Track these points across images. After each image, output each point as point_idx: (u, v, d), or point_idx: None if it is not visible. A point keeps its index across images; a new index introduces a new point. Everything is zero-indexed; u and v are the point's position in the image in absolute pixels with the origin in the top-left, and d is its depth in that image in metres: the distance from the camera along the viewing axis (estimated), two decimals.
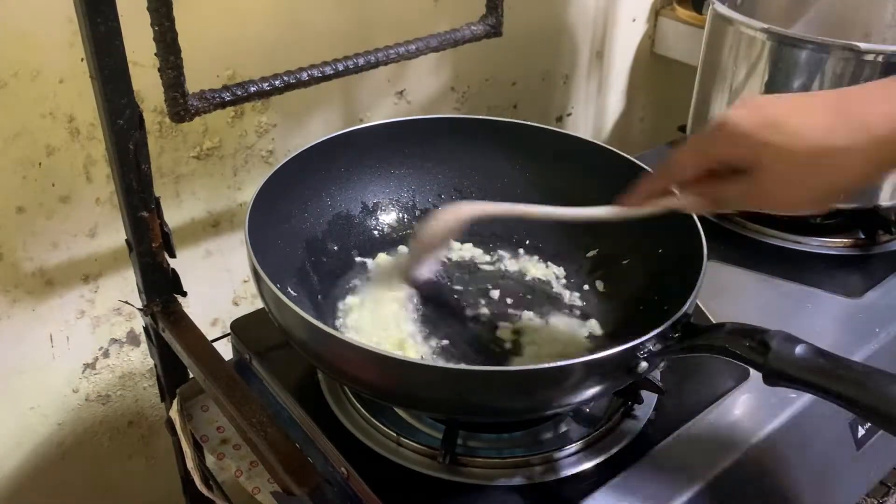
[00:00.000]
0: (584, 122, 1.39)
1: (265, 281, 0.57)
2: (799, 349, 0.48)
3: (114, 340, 0.96)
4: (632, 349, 0.51)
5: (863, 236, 0.91)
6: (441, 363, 0.56)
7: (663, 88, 1.46)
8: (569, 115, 1.35)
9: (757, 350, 0.49)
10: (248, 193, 0.99)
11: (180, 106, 0.65)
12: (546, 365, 0.48)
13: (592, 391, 0.53)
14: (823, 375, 0.47)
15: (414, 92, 1.10)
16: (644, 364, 0.53)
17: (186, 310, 0.74)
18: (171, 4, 0.60)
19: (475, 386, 0.51)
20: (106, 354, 0.97)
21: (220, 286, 1.04)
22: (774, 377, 0.49)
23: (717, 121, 0.49)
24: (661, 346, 0.53)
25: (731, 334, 0.52)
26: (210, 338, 0.71)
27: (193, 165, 0.93)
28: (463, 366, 0.54)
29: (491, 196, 0.83)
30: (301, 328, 0.56)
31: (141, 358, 1.00)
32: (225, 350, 0.74)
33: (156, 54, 0.61)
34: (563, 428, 0.65)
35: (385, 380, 0.54)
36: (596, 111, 1.40)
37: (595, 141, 0.79)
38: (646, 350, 0.52)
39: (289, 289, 0.67)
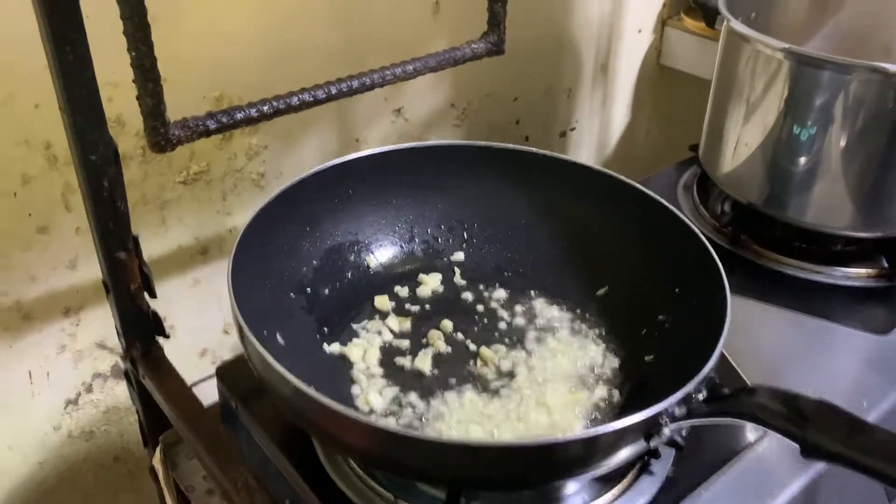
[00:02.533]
0: (589, 138, 1.34)
1: (249, 337, 0.52)
2: (841, 422, 0.43)
3: (97, 374, 0.92)
4: (654, 417, 0.47)
5: (887, 265, 0.86)
6: (441, 437, 0.51)
7: (670, 101, 1.42)
8: (573, 129, 1.31)
9: (793, 420, 0.44)
10: (238, 218, 0.95)
11: (160, 136, 0.60)
12: (555, 439, 0.44)
13: (607, 462, 0.48)
14: (872, 454, 0.42)
15: (412, 110, 1.06)
16: (666, 431, 0.48)
17: (174, 340, 0.70)
18: (148, 28, 0.55)
19: (478, 460, 0.47)
20: (89, 389, 0.92)
21: (210, 315, 0.99)
22: (814, 453, 0.44)
23: None
24: (686, 409, 0.49)
25: (764, 400, 0.47)
26: (199, 368, 0.67)
27: (180, 191, 0.89)
28: (464, 439, 0.49)
29: (494, 226, 0.78)
30: (287, 389, 0.51)
31: (126, 392, 0.95)
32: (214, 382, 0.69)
33: (134, 81, 0.56)
34: (575, 486, 0.60)
35: (375, 451, 0.49)
36: (601, 125, 1.35)
37: (600, 168, 0.75)
38: (669, 415, 0.48)
39: (277, 335, 0.62)
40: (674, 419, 0.48)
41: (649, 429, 0.48)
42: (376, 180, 0.74)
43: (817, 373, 0.74)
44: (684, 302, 0.64)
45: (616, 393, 0.64)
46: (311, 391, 0.48)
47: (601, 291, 0.72)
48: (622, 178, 0.72)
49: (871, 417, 0.69)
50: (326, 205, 0.72)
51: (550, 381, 0.64)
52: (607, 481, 0.60)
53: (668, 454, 0.62)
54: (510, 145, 0.78)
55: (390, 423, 0.58)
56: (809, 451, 0.44)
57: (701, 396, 0.49)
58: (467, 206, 0.77)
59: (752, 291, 0.82)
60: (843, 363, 0.75)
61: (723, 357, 0.70)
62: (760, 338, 0.76)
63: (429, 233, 0.77)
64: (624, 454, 0.49)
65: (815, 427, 0.43)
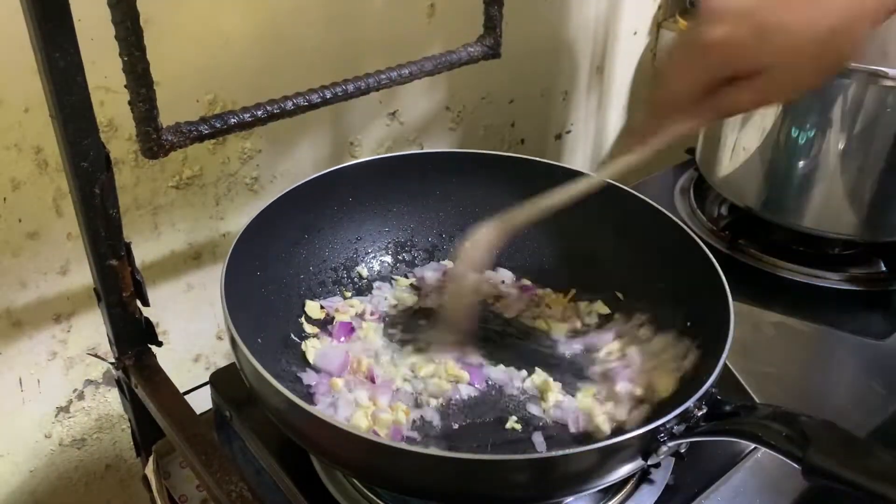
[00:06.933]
0: (584, 140, 1.34)
1: (241, 348, 0.51)
2: (844, 443, 0.42)
3: (89, 381, 0.91)
4: (651, 432, 0.46)
5: (885, 269, 0.85)
6: (434, 451, 0.50)
7: None
8: (568, 132, 1.30)
9: (794, 441, 0.43)
10: (232, 223, 0.94)
11: (153, 141, 0.59)
12: (550, 454, 0.43)
13: (603, 479, 0.47)
14: (875, 477, 0.41)
15: (407, 112, 1.05)
16: (665, 448, 0.47)
17: (167, 345, 0.69)
18: (141, 32, 0.54)
19: (471, 475, 0.46)
20: (80, 396, 0.91)
21: (203, 320, 0.98)
22: (815, 474, 0.43)
23: (700, 39, 0.47)
24: (685, 426, 0.48)
25: (765, 420, 0.46)
26: (192, 373, 0.65)
27: (172, 195, 0.88)
28: (457, 454, 0.48)
29: None
30: (279, 402, 0.50)
31: (118, 399, 0.94)
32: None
33: (126, 86, 0.55)
34: (573, 496, 0.59)
35: (369, 465, 0.48)
36: (596, 128, 1.35)
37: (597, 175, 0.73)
38: (667, 432, 0.47)
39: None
40: (672, 437, 0.47)
41: (647, 445, 0.47)
42: (376, 187, 0.73)
43: (815, 379, 0.73)
44: (685, 312, 0.63)
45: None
46: (303, 403, 0.47)
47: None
48: (617, 184, 0.71)
49: (871, 423, 0.68)
50: (325, 212, 0.71)
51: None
52: (606, 490, 0.59)
53: (668, 462, 0.61)
54: (511, 154, 0.77)
55: (383, 437, 0.57)
56: (810, 473, 0.43)
57: (701, 413, 0.48)
58: (469, 214, 0.76)
59: (750, 297, 0.81)
60: (841, 369, 0.74)
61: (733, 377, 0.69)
62: (759, 345, 0.76)
63: (429, 241, 0.76)
64: (621, 471, 0.49)
65: (816, 448, 0.42)
